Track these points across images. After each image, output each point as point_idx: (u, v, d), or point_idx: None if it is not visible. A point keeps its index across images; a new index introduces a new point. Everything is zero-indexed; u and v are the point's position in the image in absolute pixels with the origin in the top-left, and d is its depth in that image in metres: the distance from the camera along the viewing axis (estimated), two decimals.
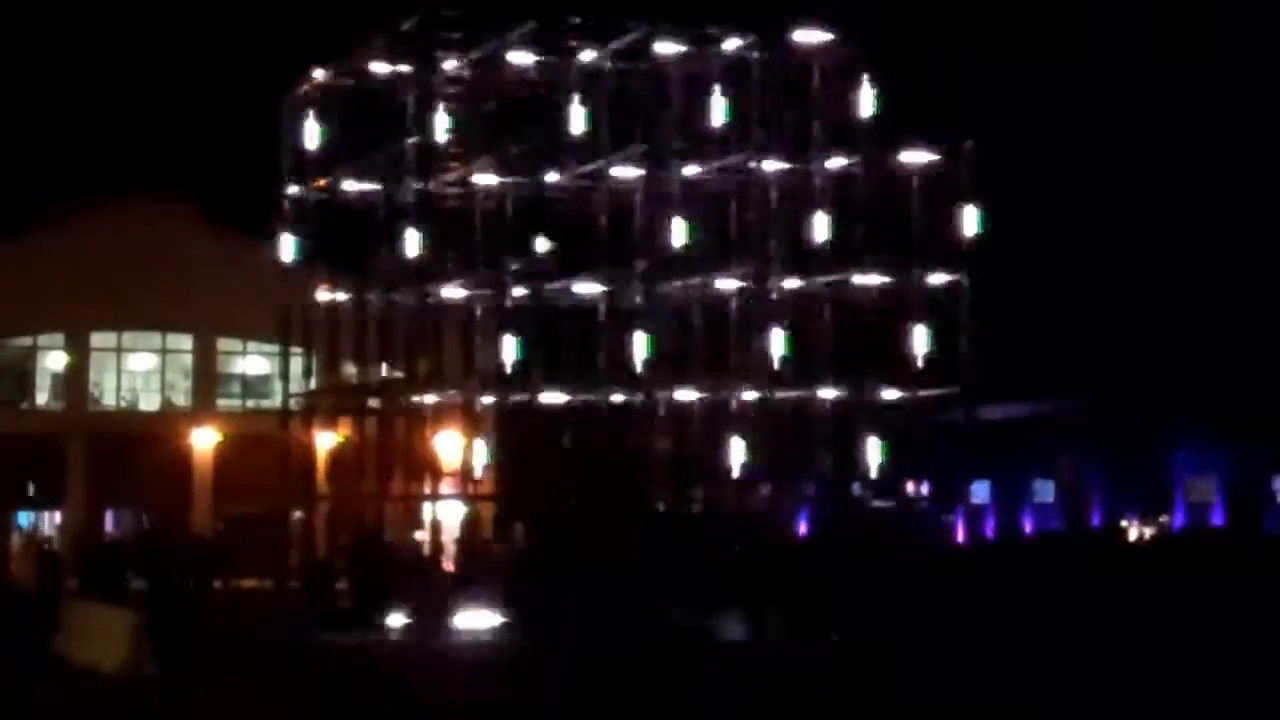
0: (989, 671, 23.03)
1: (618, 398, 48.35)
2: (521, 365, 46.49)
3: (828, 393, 48.60)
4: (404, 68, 46.83)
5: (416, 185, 46.73)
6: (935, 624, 26.89)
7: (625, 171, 47.94)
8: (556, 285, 48.26)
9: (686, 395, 48.93)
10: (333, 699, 22.07)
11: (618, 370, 47.60)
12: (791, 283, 49.32)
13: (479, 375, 48.39)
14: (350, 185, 48.50)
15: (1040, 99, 65.90)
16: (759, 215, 50.23)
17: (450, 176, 48.29)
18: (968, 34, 59.21)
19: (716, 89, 47.15)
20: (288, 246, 49.12)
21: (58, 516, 66.06)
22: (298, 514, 52.68)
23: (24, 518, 66.92)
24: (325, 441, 53.26)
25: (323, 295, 50.37)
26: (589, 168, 47.15)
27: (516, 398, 48.61)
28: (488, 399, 49.28)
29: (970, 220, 47.03)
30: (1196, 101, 66.07)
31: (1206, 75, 65.81)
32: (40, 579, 45.16)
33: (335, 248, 49.67)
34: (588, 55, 46.94)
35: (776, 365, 47.37)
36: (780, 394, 48.51)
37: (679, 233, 46.74)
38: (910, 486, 50.01)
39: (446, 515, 49.73)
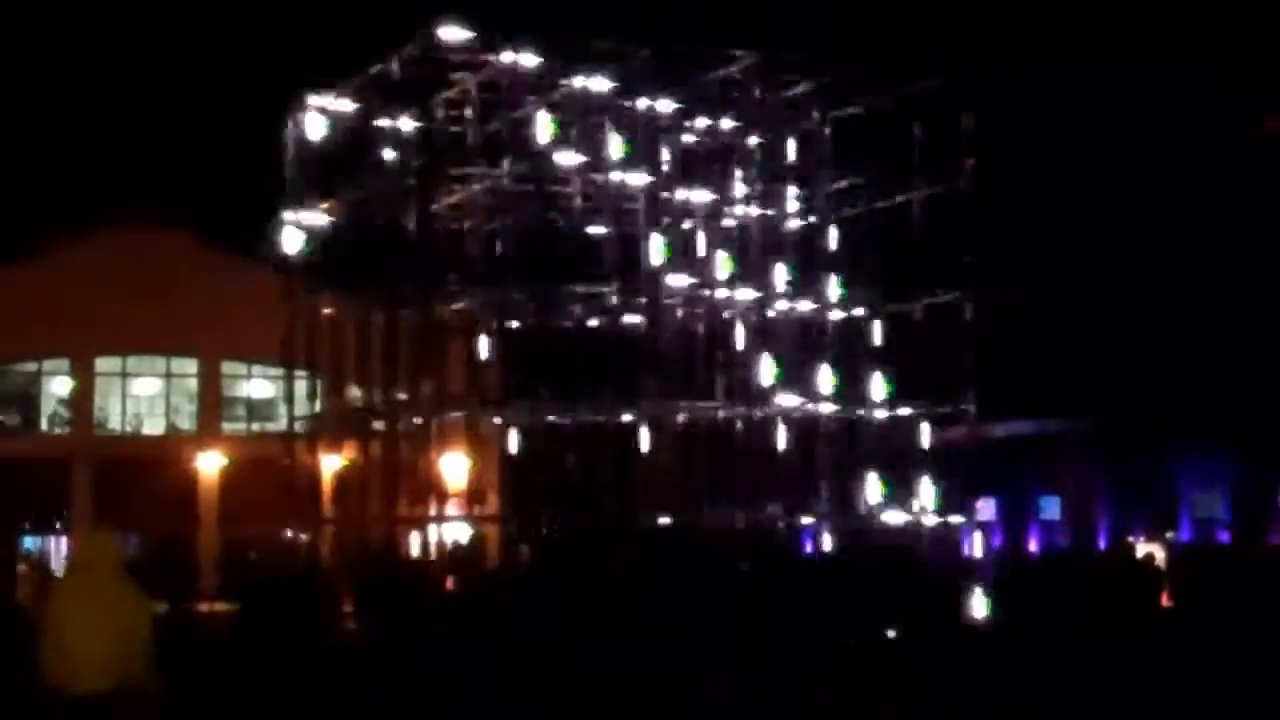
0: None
1: (626, 417, 48.19)
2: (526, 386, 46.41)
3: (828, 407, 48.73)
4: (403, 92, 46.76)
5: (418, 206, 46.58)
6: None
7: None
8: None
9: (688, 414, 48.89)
10: None
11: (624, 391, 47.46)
12: (799, 305, 49.53)
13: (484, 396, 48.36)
14: (353, 207, 48.48)
15: (1038, 103, 65.83)
16: (767, 239, 50.57)
17: (454, 199, 48.33)
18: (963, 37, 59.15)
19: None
20: (291, 269, 49.11)
21: (64, 541, 65.96)
22: (303, 536, 52.57)
23: (30, 542, 66.85)
24: (331, 464, 53.16)
25: (326, 318, 50.26)
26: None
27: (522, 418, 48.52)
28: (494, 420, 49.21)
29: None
30: (1193, 108, 66.00)
31: (1208, 79, 65.74)
32: None
33: (339, 269, 49.56)
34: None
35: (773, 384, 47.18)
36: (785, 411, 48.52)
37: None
38: (917, 505, 49.72)
39: (452, 537, 49.58)
